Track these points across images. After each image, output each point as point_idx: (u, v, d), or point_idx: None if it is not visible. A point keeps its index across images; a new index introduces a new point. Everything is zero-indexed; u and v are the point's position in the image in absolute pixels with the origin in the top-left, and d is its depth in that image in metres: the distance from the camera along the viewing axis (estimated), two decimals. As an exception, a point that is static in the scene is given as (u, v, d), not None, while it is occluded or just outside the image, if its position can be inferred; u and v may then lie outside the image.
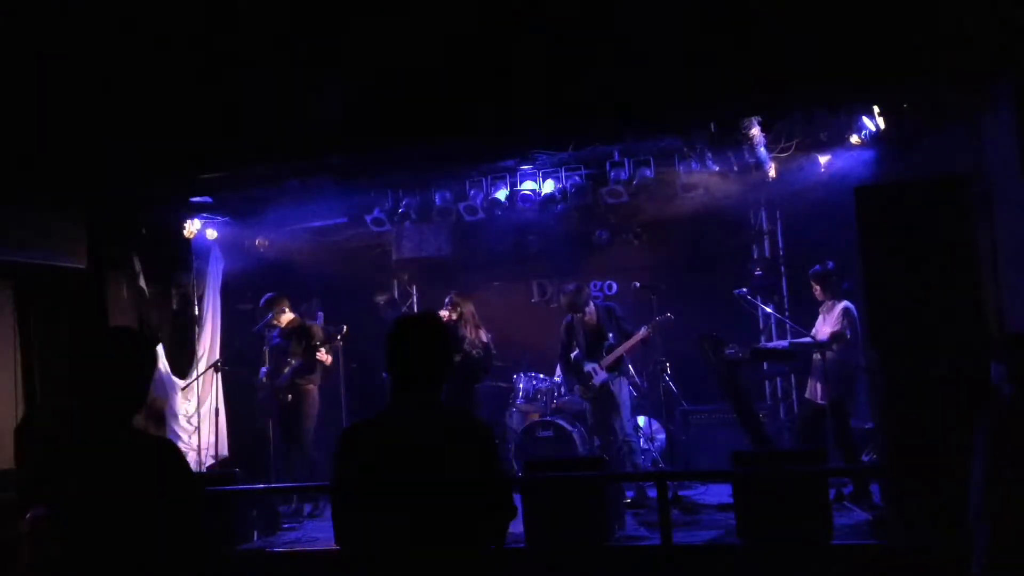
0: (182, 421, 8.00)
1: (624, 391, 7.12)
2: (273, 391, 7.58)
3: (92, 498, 2.45)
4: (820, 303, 6.74)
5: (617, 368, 7.16)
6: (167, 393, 7.86)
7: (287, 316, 7.74)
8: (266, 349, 8.67)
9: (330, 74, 5.68)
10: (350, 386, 7.71)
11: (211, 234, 8.49)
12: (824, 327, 6.60)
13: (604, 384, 7.10)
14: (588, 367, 7.17)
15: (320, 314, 8.95)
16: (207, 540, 3.09)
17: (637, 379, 7.85)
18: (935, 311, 4.97)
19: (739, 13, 5.20)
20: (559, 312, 8.41)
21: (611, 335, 7.16)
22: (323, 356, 7.48)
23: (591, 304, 7.33)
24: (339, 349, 7.57)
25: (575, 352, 7.30)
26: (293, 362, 7.52)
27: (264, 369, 7.75)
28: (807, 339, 6.66)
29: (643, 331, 7.04)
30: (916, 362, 4.97)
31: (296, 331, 7.67)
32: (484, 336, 7.56)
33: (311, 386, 7.57)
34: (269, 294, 7.78)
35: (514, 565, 5.25)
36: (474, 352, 7.38)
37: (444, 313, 7.39)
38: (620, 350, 7.10)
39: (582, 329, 7.28)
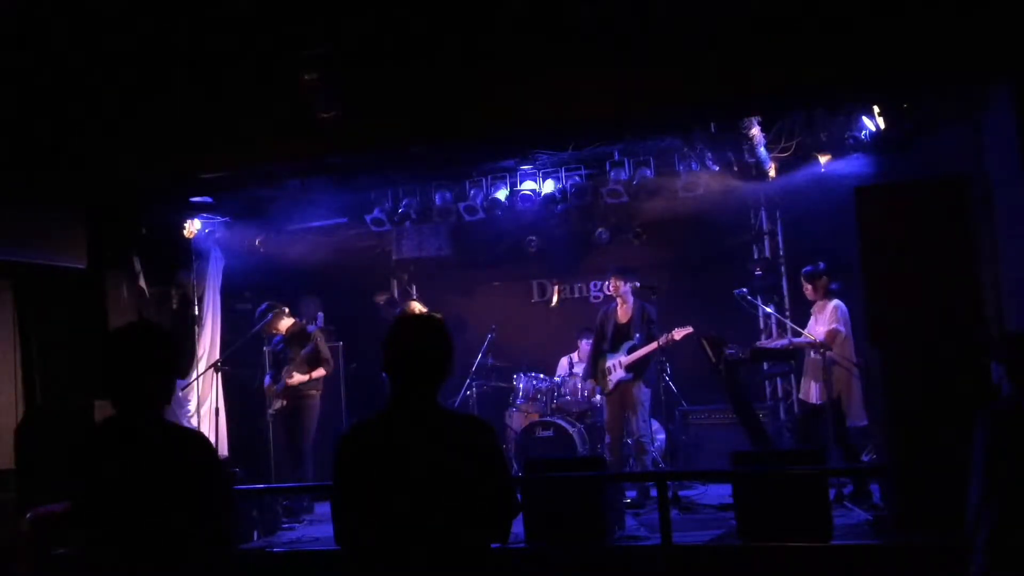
0: (182, 421, 8.00)
1: (644, 393, 7.06)
2: (271, 396, 7.57)
3: (127, 490, 2.48)
4: (812, 303, 6.75)
5: (639, 373, 7.06)
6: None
7: (287, 322, 7.71)
8: (266, 350, 8.68)
9: (330, 74, 5.67)
10: (350, 386, 7.70)
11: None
12: (818, 326, 6.60)
13: (622, 383, 7.07)
14: (611, 361, 7.15)
15: (320, 315, 8.96)
16: (232, 534, 3.11)
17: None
18: (935, 311, 4.97)
19: (739, 12, 5.20)
20: (559, 312, 8.41)
21: (638, 336, 7.11)
22: (318, 372, 7.46)
23: (630, 298, 7.25)
24: (339, 353, 7.50)
25: (605, 344, 7.28)
26: (292, 368, 7.49)
27: (268, 376, 7.72)
28: (805, 339, 6.65)
29: (663, 339, 6.97)
30: (916, 362, 4.97)
31: (296, 336, 7.65)
32: None
33: (313, 391, 7.52)
34: (263, 305, 7.71)
35: (514, 565, 5.25)
36: None
37: None
38: (639, 353, 7.05)
39: (613, 322, 7.26)
